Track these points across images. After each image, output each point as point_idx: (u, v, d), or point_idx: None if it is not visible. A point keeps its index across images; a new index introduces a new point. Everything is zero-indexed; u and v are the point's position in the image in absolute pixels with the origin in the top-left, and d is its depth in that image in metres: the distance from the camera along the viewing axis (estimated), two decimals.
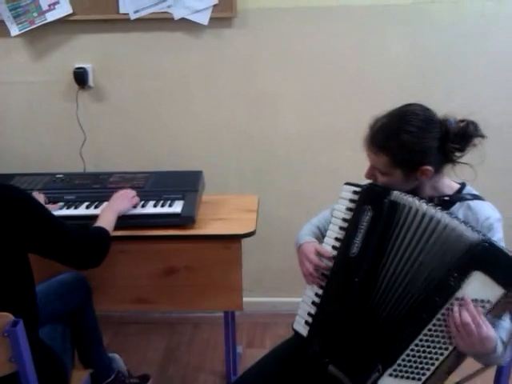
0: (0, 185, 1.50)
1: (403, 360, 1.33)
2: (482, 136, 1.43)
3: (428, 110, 1.46)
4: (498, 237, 1.39)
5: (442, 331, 1.29)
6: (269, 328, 2.87)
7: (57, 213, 1.98)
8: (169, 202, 2.06)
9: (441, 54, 2.51)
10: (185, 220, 2.00)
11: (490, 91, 2.54)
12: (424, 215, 1.35)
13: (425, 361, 1.30)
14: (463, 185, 1.52)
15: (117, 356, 2.27)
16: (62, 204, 2.07)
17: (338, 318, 1.48)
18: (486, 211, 1.43)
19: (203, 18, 2.48)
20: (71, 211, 2.02)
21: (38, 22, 2.52)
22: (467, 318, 1.22)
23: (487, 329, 1.21)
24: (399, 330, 1.34)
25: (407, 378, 1.32)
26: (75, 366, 2.03)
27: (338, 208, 1.54)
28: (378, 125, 1.46)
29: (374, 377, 1.37)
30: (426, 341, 1.30)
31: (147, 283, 2.08)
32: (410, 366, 1.32)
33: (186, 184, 2.18)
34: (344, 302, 1.47)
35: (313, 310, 1.55)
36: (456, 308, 1.25)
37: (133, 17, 2.49)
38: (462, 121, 1.43)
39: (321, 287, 1.55)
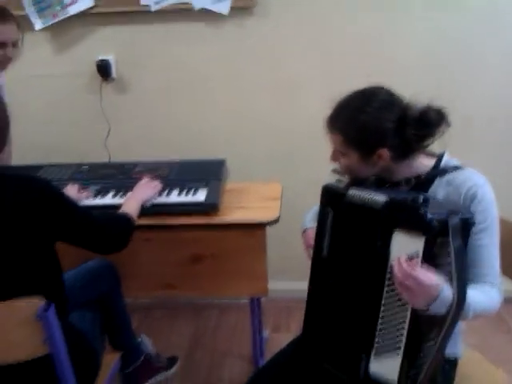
0: (24, 176, 1.52)
1: (377, 341, 1.33)
2: (447, 124, 1.35)
3: (390, 93, 1.41)
4: (484, 205, 1.34)
5: (394, 298, 1.27)
6: (294, 313, 2.89)
7: (83, 202, 2.02)
8: (193, 190, 2.08)
9: (463, 42, 2.50)
10: (209, 208, 2.01)
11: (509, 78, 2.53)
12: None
13: (393, 330, 1.29)
14: (440, 157, 1.45)
15: (146, 338, 2.30)
16: (95, 188, 2.12)
17: (322, 318, 1.49)
18: (466, 182, 1.37)
19: (223, 8, 2.50)
20: (97, 201, 2.05)
21: (61, 16, 2.57)
22: (399, 274, 1.19)
23: (424, 276, 1.17)
24: (364, 314, 1.34)
25: (387, 351, 1.31)
26: (106, 350, 2.09)
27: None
28: (338, 105, 1.45)
29: (363, 366, 1.37)
30: (386, 311, 1.29)
31: (173, 271, 2.11)
32: (385, 340, 1.32)
33: (209, 172, 2.20)
34: (325, 302, 1.48)
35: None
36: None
37: (154, 8, 2.52)
38: (424, 106, 1.36)
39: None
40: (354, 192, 1.37)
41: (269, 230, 2.04)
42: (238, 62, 2.62)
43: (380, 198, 1.29)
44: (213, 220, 2.02)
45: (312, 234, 1.60)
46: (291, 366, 1.60)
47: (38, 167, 2.28)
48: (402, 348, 1.29)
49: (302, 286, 2.93)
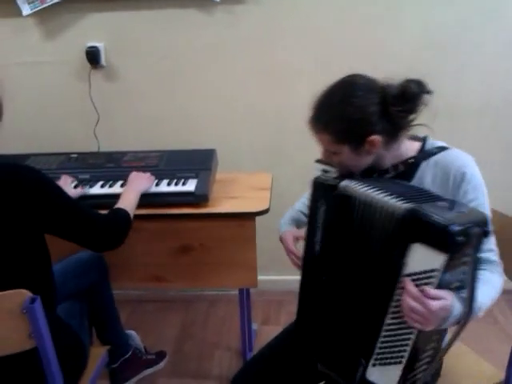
0: (15, 165, 1.48)
1: (380, 348, 1.29)
2: (428, 92, 1.33)
3: (367, 78, 1.38)
4: (474, 183, 1.33)
5: (402, 314, 1.22)
6: (283, 305, 2.90)
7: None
8: (182, 180, 2.07)
9: (455, 29, 2.47)
10: (198, 198, 2.00)
11: (505, 66, 2.51)
12: (364, 203, 1.27)
13: (398, 343, 1.25)
14: (424, 140, 1.44)
15: (134, 333, 2.30)
16: (84, 178, 2.10)
17: (314, 315, 1.47)
18: (455, 161, 1.35)
19: None
20: (86, 190, 2.03)
21: (50, 1, 2.51)
22: (411, 302, 1.15)
23: (437, 302, 1.14)
24: (368, 320, 1.30)
25: (389, 363, 1.28)
26: (93, 343, 2.07)
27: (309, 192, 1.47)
28: (315, 104, 1.41)
29: (360, 371, 1.34)
30: (393, 324, 1.25)
31: (162, 261, 2.10)
32: (388, 352, 1.28)
33: (199, 162, 2.18)
34: (318, 299, 1.44)
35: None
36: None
37: None
38: (403, 81, 1.34)
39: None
40: (347, 185, 1.33)
41: (259, 221, 2.03)
42: (228, 50, 2.59)
43: (401, 204, 1.21)
44: (202, 210, 2.01)
45: (290, 236, 1.58)
46: (280, 359, 1.59)
47: (26, 156, 2.25)
48: (405, 360, 1.26)
49: (291, 278, 2.92)
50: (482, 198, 1.34)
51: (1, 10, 2.57)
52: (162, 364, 2.31)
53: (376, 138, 1.33)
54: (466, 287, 1.17)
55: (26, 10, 2.54)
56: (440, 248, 1.13)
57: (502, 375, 1.60)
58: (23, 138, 2.64)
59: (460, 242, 1.11)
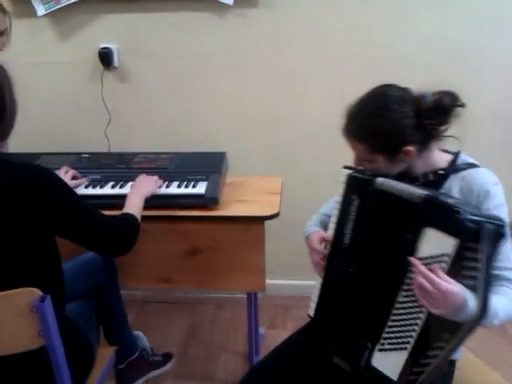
0: (29, 165, 1.48)
1: (387, 333, 1.33)
2: (462, 105, 1.38)
3: (400, 89, 1.42)
4: (496, 202, 1.35)
5: (413, 297, 1.26)
6: (290, 310, 2.89)
7: (83, 192, 2.00)
8: (192, 182, 2.07)
9: (472, 33, 2.46)
10: (208, 201, 2.00)
11: None
12: (395, 197, 1.33)
13: (405, 329, 1.28)
14: (457, 154, 1.47)
15: (141, 334, 2.29)
16: (94, 178, 2.11)
17: (336, 307, 1.49)
18: (480, 179, 1.39)
19: None
20: (97, 190, 2.04)
21: (64, 2, 2.53)
22: (419, 279, 1.19)
23: (446, 283, 1.16)
24: (378, 305, 1.34)
25: (394, 349, 1.31)
26: (101, 343, 2.07)
27: (338, 192, 1.52)
28: (350, 113, 1.45)
29: (366, 355, 1.38)
30: (402, 308, 1.29)
31: (171, 263, 2.10)
32: (394, 337, 1.31)
33: (209, 165, 2.18)
34: (341, 291, 1.47)
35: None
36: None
37: None
38: (436, 93, 1.38)
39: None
40: (384, 180, 1.38)
41: (268, 225, 2.03)
42: (241, 53, 2.59)
43: (420, 191, 1.27)
44: (212, 213, 2.01)
45: (317, 237, 1.59)
46: (286, 365, 1.59)
47: (37, 155, 2.26)
48: (410, 347, 1.28)
49: (298, 283, 2.96)
50: (503, 217, 1.34)
51: (16, 11, 2.59)
52: (168, 366, 2.31)
53: (410, 148, 1.38)
54: (480, 287, 1.18)
55: (41, 10, 2.56)
56: (450, 232, 1.17)
57: None
58: (35, 137, 2.65)
59: (471, 229, 1.15)
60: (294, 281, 2.98)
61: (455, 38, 2.47)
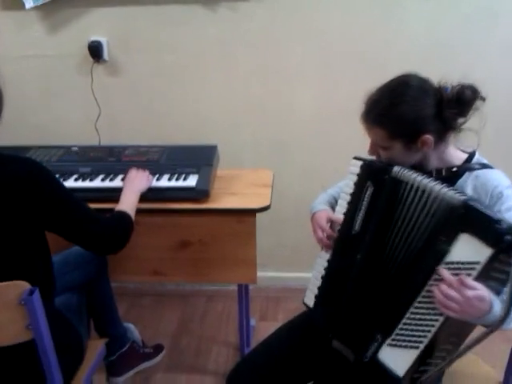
0: (19, 158, 1.47)
1: (401, 329, 1.33)
2: (482, 99, 1.40)
3: (421, 78, 1.43)
4: (508, 205, 1.35)
5: (433, 299, 1.26)
6: (281, 302, 2.90)
7: (73, 185, 2.00)
8: (183, 175, 2.07)
9: (461, 29, 2.46)
10: (199, 194, 2.00)
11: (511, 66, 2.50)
12: (417, 189, 1.33)
13: (421, 328, 1.28)
14: (472, 154, 1.48)
15: (132, 326, 2.30)
16: (84, 171, 2.10)
17: (340, 293, 1.49)
18: (495, 180, 1.39)
19: None
20: (87, 183, 2.03)
21: None
22: (445, 288, 1.19)
23: (473, 289, 1.16)
24: (396, 300, 1.34)
25: (405, 346, 1.31)
26: (91, 336, 2.07)
27: (346, 183, 1.53)
28: (371, 99, 1.45)
29: (373, 347, 1.38)
30: (421, 308, 1.29)
31: (162, 256, 2.10)
32: (407, 335, 1.31)
33: (200, 158, 2.18)
34: (346, 277, 1.48)
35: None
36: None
37: None
38: (458, 85, 1.40)
39: (327, 262, 1.56)
40: (400, 169, 1.39)
41: (259, 218, 2.03)
42: (231, 47, 2.58)
43: (455, 198, 1.26)
44: (203, 206, 2.01)
45: (324, 215, 1.59)
46: (277, 355, 1.60)
47: (27, 148, 2.25)
48: (422, 346, 1.28)
49: (290, 275, 2.97)
50: None
51: (4, 3, 2.57)
52: (159, 358, 2.32)
53: (429, 137, 1.39)
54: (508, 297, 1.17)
55: (29, 3, 2.53)
56: (488, 241, 1.16)
57: (500, 376, 1.61)
58: (24, 131, 2.64)
59: (508, 242, 1.14)
60: (285, 273, 2.99)
61: (446, 35, 2.47)
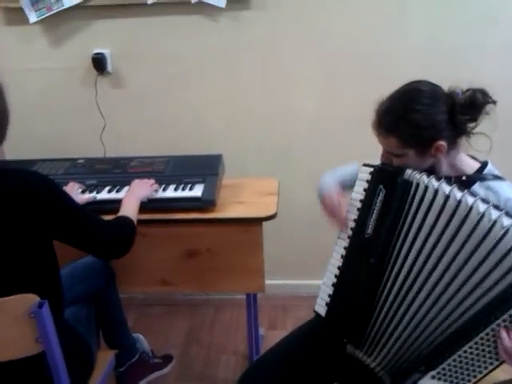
0: (24, 171, 1.49)
1: (449, 365, 1.28)
2: (493, 102, 1.39)
3: (432, 84, 1.43)
4: None
5: (494, 342, 1.21)
6: (290, 310, 2.89)
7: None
8: (189, 185, 2.07)
9: (463, 33, 2.47)
10: (205, 203, 2.00)
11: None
12: (448, 197, 1.27)
13: (472, 368, 1.24)
14: (484, 164, 1.47)
15: (141, 336, 2.29)
16: (91, 183, 2.10)
17: (354, 300, 1.46)
18: (506, 193, 1.38)
19: (220, 1, 2.46)
20: (93, 196, 2.03)
21: (56, 9, 2.53)
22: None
23: None
24: (447, 335, 1.29)
25: (451, 382, 1.28)
26: (100, 347, 2.08)
27: (355, 190, 1.52)
28: (383, 107, 1.44)
29: (414, 377, 1.34)
30: (476, 349, 1.24)
31: (170, 266, 2.10)
32: (456, 372, 1.27)
33: (206, 168, 2.18)
34: (360, 283, 1.45)
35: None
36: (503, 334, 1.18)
37: (150, 1, 2.48)
38: (468, 90, 1.40)
39: (338, 268, 1.53)
40: (413, 172, 1.37)
41: (266, 226, 2.03)
42: (234, 56, 2.59)
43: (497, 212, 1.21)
44: (209, 215, 2.01)
45: (335, 195, 1.58)
46: (286, 361, 1.60)
47: (33, 162, 2.26)
48: None
49: (298, 283, 2.96)
50: None
51: (8, 18, 2.60)
52: (168, 368, 2.31)
53: (443, 143, 1.38)
54: None
55: (33, 17, 2.55)
56: None
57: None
58: (30, 144, 2.65)
59: None
60: (293, 281, 2.99)
61: (447, 38, 2.47)
